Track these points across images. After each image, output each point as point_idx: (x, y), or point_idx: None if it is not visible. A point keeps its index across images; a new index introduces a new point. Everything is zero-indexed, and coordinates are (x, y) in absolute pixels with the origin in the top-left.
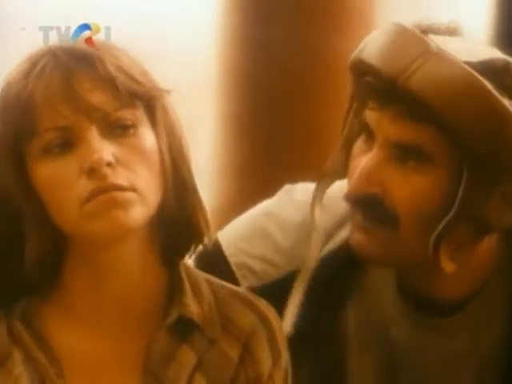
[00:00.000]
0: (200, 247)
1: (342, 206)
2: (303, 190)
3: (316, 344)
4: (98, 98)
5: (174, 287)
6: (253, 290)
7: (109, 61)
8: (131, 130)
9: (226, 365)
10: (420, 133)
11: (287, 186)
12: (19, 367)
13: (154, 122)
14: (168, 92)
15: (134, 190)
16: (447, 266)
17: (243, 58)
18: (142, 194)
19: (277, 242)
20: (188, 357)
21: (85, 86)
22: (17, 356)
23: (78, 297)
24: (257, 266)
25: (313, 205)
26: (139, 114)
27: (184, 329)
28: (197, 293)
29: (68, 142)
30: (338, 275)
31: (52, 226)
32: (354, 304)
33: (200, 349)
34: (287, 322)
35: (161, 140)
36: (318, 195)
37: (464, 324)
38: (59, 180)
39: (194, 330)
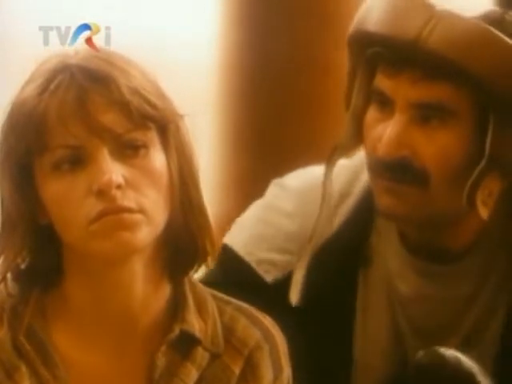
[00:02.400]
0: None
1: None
2: (290, 177)
3: (327, 309)
4: (110, 119)
5: (177, 303)
6: (277, 282)
7: (124, 83)
8: (142, 151)
9: (227, 379)
10: (440, 91)
11: (274, 181)
12: (26, 381)
13: (165, 144)
14: (182, 116)
15: (141, 211)
16: (483, 212)
17: (243, 71)
18: (149, 216)
19: (285, 230)
20: (190, 373)
21: (98, 107)
22: (23, 370)
23: (81, 312)
24: (275, 257)
25: (325, 178)
26: (151, 136)
27: (186, 345)
28: (201, 309)
29: (78, 160)
30: (352, 241)
31: (54, 240)
32: (363, 265)
33: (202, 364)
34: (294, 291)
35: (171, 161)
36: (330, 169)
37: (467, 270)
38: (67, 197)
39: (197, 346)
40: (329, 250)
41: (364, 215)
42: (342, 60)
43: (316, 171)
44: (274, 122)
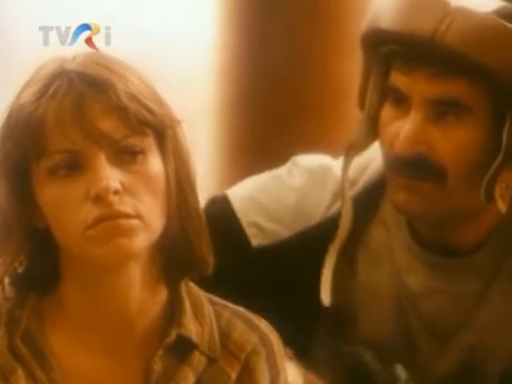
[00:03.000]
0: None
1: (363, 157)
2: (307, 157)
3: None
4: (108, 124)
5: (174, 308)
6: (263, 248)
7: (122, 88)
8: (139, 157)
9: (223, 383)
10: (456, 87)
11: (292, 157)
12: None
13: (163, 149)
14: (179, 122)
15: (138, 217)
16: (501, 205)
17: (242, 76)
18: (145, 221)
19: (285, 202)
20: (186, 377)
21: (96, 112)
22: (20, 373)
23: (78, 316)
24: (267, 225)
25: (343, 177)
26: (148, 141)
27: (183, 349)
28: (198, 313)
29: (76, 165)
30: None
31: (51, 244)
32: (364, 255)
33: (199, 368)
34: (324, 291)
35: (168, 166)
36: (347, 167)
37: (478, 265)
38: (64, 202)
39: (194, 350)
40: (318, 232)
41: (366, 206)
42: (340, 65)
43: (328, 158)
44: (272, 126)
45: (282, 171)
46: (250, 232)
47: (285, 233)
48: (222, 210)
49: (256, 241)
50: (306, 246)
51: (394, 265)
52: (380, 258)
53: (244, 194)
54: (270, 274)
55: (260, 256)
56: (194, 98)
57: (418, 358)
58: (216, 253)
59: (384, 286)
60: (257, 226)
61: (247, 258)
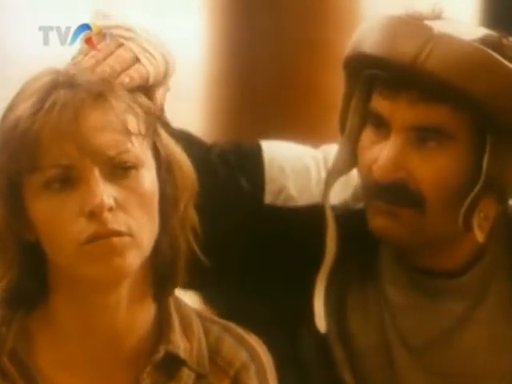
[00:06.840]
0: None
1: None
2: (334, 150)
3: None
4: (103, 139)
5: (162, 323)
6: (271, 207)
7: (117, 101)
8: (133, 172)
9: None
10: (437, 113)
11: (323, 147)
12: None
13: (158, 161)
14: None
15: (130, 234)
16: (479, 235)
17: (230, 91)
18: (137, 238)
19: (309, 182)
20: None
21: (92, 126)
22: None
23: (66, 332)
24: (293, 192)
25: (325, 199)
26: (143, 155)
27: (172, 365)
28: (187, 329)
29: (69, 180)
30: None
31: (40, 259)
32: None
33: None
34: (319, 318)
35: (161, 179)
36: (328, 191)
37: (463, 287)
38: (57, 217)
39: (182, 366)
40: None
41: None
42: (328, 81)
43: None
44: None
45: (319, 158)
46: (269, 188)
47: (294, 202)
48: (250, 159)
49: (269, 198)
50: (311, 221)
51: (378, 277)
52: (366, 271)
53: (281, 157)
54: (276, 235)
55: (268, 215)
56: (183, 105)
57: (395, 371)
58: (228, 195)
59: (369, 298)
60: (279, 187)
61: (256, 211)
